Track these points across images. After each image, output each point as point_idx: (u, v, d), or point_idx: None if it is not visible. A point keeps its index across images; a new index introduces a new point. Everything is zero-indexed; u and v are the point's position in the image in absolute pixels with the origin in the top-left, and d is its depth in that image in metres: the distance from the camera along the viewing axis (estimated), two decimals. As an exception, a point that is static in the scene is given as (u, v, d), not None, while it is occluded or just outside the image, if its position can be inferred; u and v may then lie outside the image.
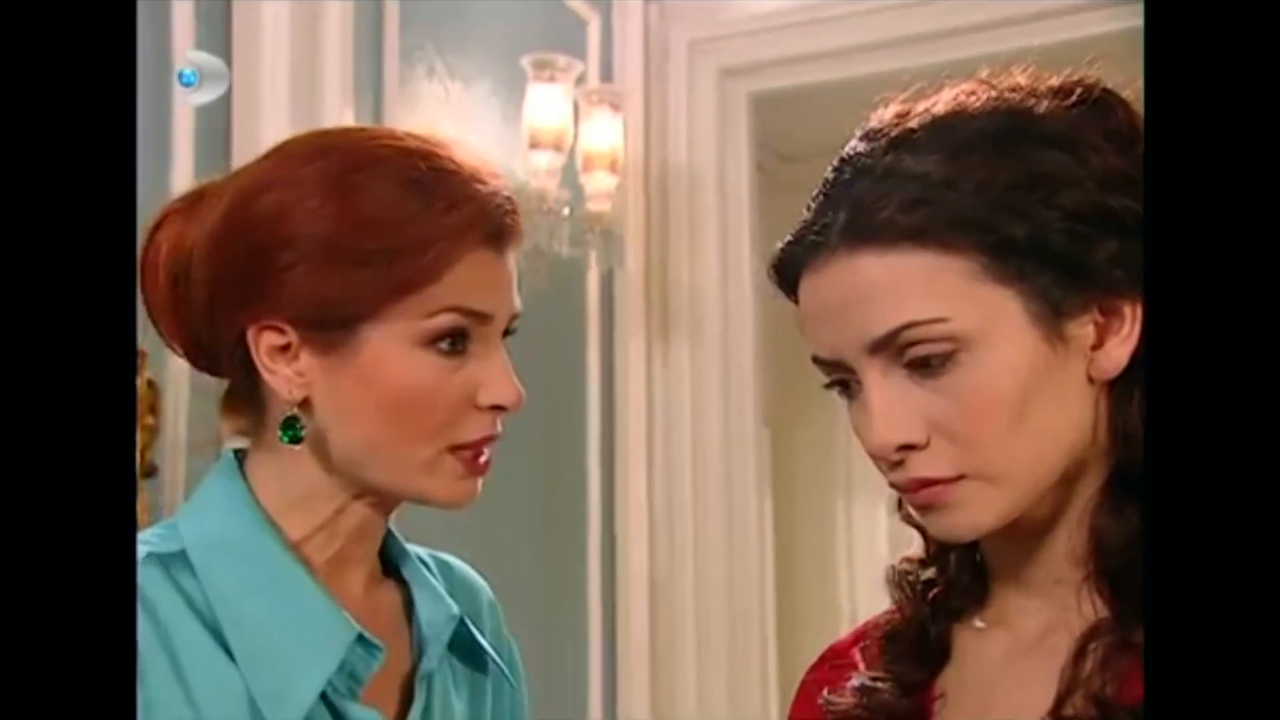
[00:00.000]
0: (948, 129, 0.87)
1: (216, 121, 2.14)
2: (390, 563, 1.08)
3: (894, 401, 0.85)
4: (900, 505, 0.96)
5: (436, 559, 1.13)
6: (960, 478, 0.85)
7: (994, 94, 0.89)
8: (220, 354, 1.00)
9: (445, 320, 0.96)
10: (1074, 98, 0.89)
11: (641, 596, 3.10)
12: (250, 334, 0.97)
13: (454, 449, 0.99)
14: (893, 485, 0.89)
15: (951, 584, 0.96)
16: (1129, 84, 0.89)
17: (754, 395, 3.21)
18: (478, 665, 1.09)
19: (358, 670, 0.98)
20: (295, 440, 0.98)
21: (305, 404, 0.98)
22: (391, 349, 0.96)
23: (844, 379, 0.89)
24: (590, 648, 3.03)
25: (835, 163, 0.91)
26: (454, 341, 0.97)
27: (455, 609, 1.06)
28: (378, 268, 0.94)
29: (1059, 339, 0.85)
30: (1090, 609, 0.87)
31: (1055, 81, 0.90)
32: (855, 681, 0.95)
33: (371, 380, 0.96)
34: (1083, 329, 0.86)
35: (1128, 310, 0.86)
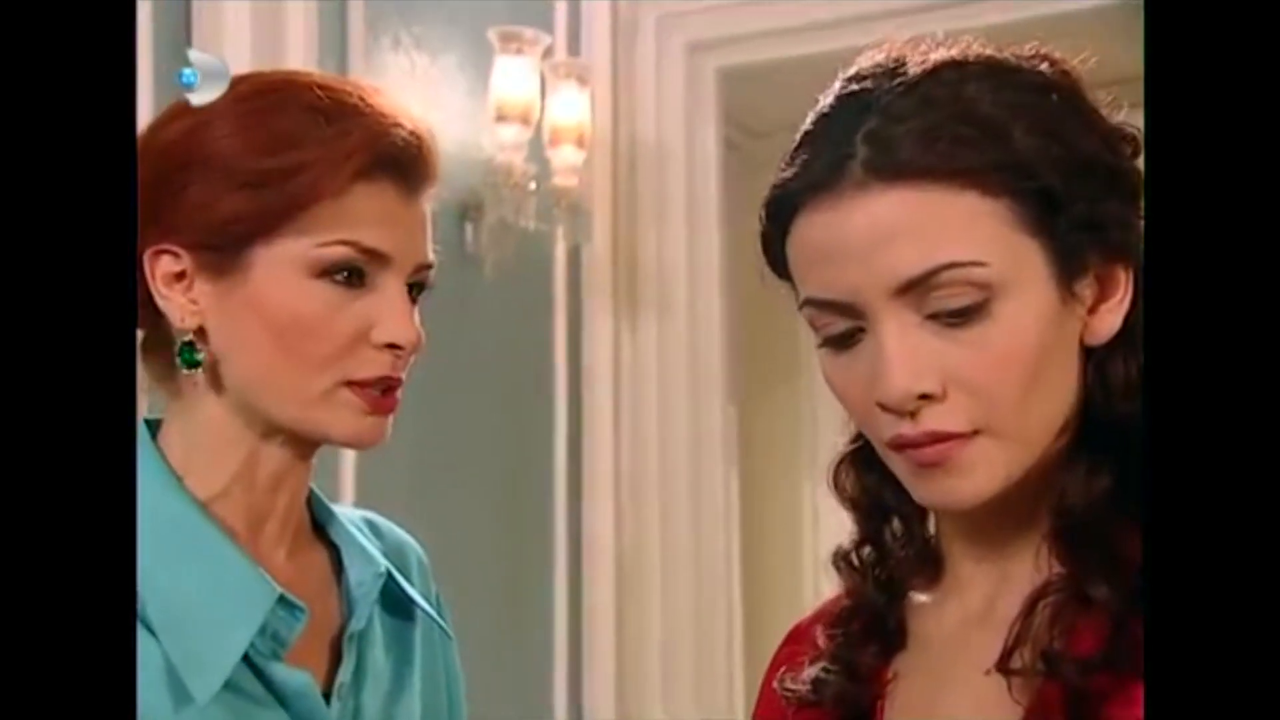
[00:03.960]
0: (962, 74, 0.84)
1: (177, 95, 2.11)
2: (317, 525, 1.08)
3: (912, 348, 0.82)
4: (836, 479, 0.95)
5: (365, 520, 1.13)
6: (974, 433, 0.83)
7: (985, 52, 0.87)
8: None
9: (335, 252, 0.97)
10: (1070, 64, 0.88)
11: (607, 572, 3.10)
12: (146, 259, 0.98)
13: (349, 384, 0.98)
14: (893, 442, 0.85)
15: (900, 561, 0.94)
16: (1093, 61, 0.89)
17: (721, 371, 3.20)
18: (405, 616, 1.09)
19: (280, 632, 0.97)
20: (193, 365, 0.98)
21: (202, 335, 0.99)
22: (280, 274, 0.97)
23: (843, 326, 0.85)
24: (555, 623, 3.03)
25: (829, 102, 0.87)
26: (350, 276, 0.97)
27: (383, 567, 1.06)
28: (264, 189, 0.95)
29: (1071, 297, 0.84)
30: (1046, 568, 0.86)
31: (1030, 51, 0.88)
32: (808, 671, 0.94)
33: (260, 305, 0.97)
34: (1084, 290, 0.85)
35: (1122, 275, 0.85)
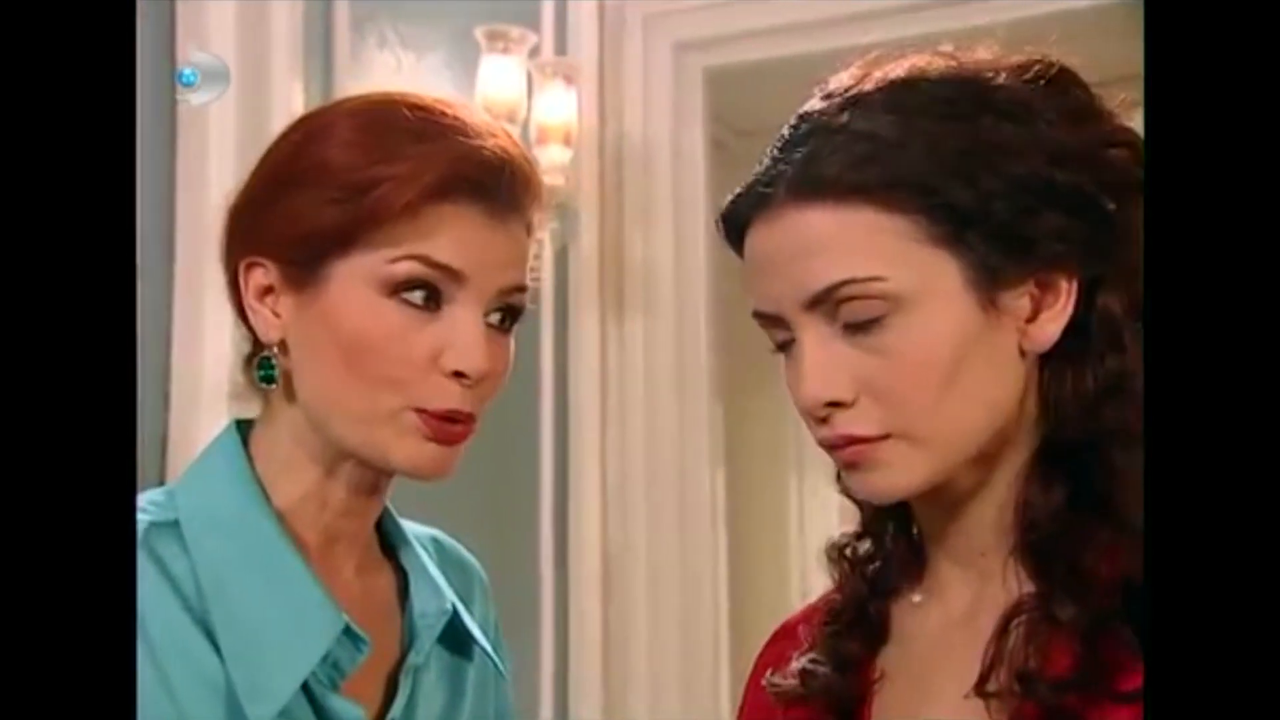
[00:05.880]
0: (903, 91, 0.88)
1: (158, 93, 2.10)
2: (388, 545, 1.07)
3: (825, 358, 0.86)
4: (839, 477, 0.97)
5: (432, 539, 1.12)
6: (885, 437, 0.86)
7: (954, 63, 0.90)
8: (231, 297, 1.02)
9: (405, 268, 0.95)
10: (1031, 74, 0.89)
11: (594, 571, 3.10)
12: (241, 270, 0.99)
13: (417, 411, 0.96)
14: (820, 442, 0.89)
15: (888, 558, 0.97)
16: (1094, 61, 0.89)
17: (707, 370, 3.20)
18: (463, 654, 1.08)
19: (341, 662, 0.96)
20: (268, 380, 0.99)
21: (284, 348, 0.99)
22: (353, 290, 0.95)
23: (781, 336, 0.89)
24: (542, 622, 3.03)
25: (792, 120, 0.91)
26: (427, 296, 0.96)
27: (449, 604, 1.05)
28: (346, 204, 0.95)
29: (993, 307, 0.86)
30: (1015, 583, 0.88)
31: (1016, 60, 0.90)
32: (796, 664, 0.95)
33: (332, 320, 0.96)
34: (1018, 300, 0.87)
35: (1064, 285, 0.87)
